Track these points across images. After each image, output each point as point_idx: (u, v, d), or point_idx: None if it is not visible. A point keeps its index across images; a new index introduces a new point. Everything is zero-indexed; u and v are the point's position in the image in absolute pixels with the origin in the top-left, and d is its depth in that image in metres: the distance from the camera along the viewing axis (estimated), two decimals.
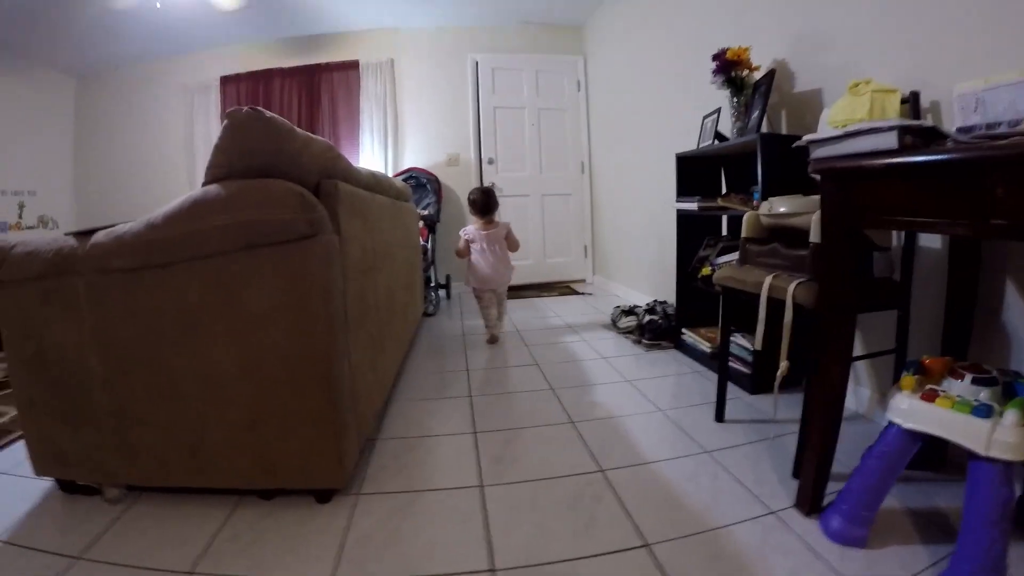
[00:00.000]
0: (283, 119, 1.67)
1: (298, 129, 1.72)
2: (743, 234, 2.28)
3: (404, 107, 6.36)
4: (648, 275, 4.89)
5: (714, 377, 2.82)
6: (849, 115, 2.11)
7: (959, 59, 1.96)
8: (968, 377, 1.40)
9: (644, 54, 4.90)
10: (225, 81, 6.28)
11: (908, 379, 1.50)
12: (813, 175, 1.64)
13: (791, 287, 1.83)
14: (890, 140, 1.37)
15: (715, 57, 2.94)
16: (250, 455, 1.68)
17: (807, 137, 1.73)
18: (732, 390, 2.58)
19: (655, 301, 4.00)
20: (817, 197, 1.98)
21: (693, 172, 3.42)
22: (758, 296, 2.02)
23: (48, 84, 6.18)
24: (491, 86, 6.34)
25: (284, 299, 1.58)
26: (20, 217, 5.84)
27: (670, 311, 3.77)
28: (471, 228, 3.92)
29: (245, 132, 1.60)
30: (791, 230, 2.07)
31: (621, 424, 2.34)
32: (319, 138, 1.84)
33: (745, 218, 2.29)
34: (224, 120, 1.62)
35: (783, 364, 1.89)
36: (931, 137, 1.40)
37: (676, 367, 3.16)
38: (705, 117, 3.38)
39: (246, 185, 1.59)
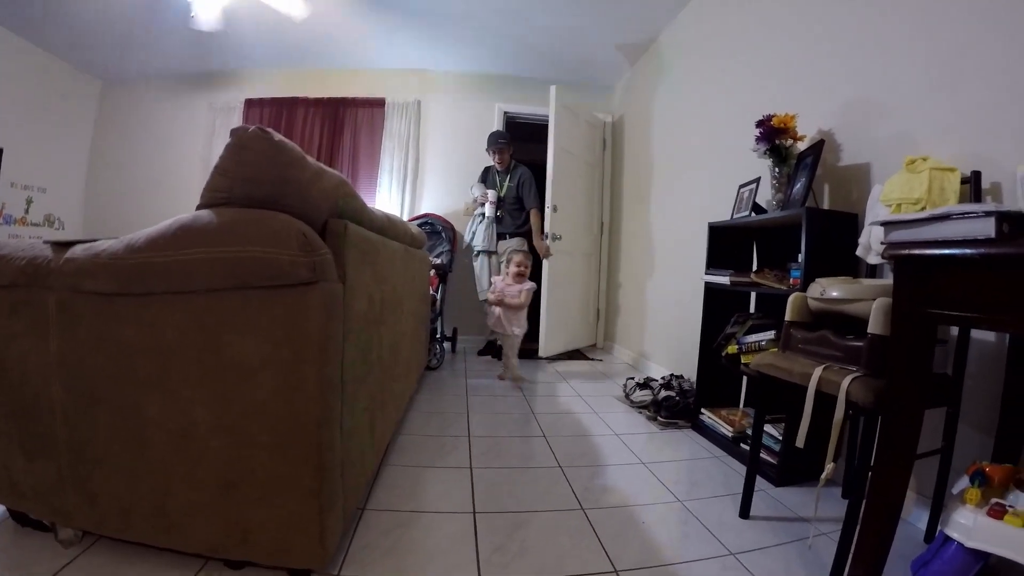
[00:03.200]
0: (294, 144, 1.49)
1: (310, 158, 1.54)
2: (787, 317, 2.08)
3: (426, 150, 6.29)
4: (665, 346, 4.68)
5: (735, 464, 2.67)
6: (905, 194, 1.99)
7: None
8: None
9: (676, 118, 4.81)
10: (250, 104, 6.25)
11: (973, 492, 1.37)
12: (886, 259, 1.47)
13: (845, 382, 1.63)
14: (985, 227, 1.18)
15: (759, 123, 2.79)
16: (221, 519, 1.46)
17: (884, 217, 1.55)
18: (756, 481, 2.36)
19: (671, 375, 3.79)
20: (874, 283, 1.85)
21: (724, 243, 3.26)
22: (799, 386, 1.83)
23: (73, 83, 6.16)
24: (563, 125, 5.51)
25: (274, 352, 1.38)
26: (27, 212, 5.76)
27: (687, 387, 3.58)
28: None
29: (250, 154, 1.42)
30: (843, 317, 1.88)
31: (637, 515, 2.10)
32: (332, 170, 1.65)
33: (790, 300, 2.09)
34: (229, 138, 1.45)
35: (829, 466, 1.68)
36: None
37: (693, 450, 2.92)
38: (742, 186, 3.22)
39: (242, 215, 1.40)
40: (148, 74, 6.31)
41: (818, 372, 1.75)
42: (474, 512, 2.06)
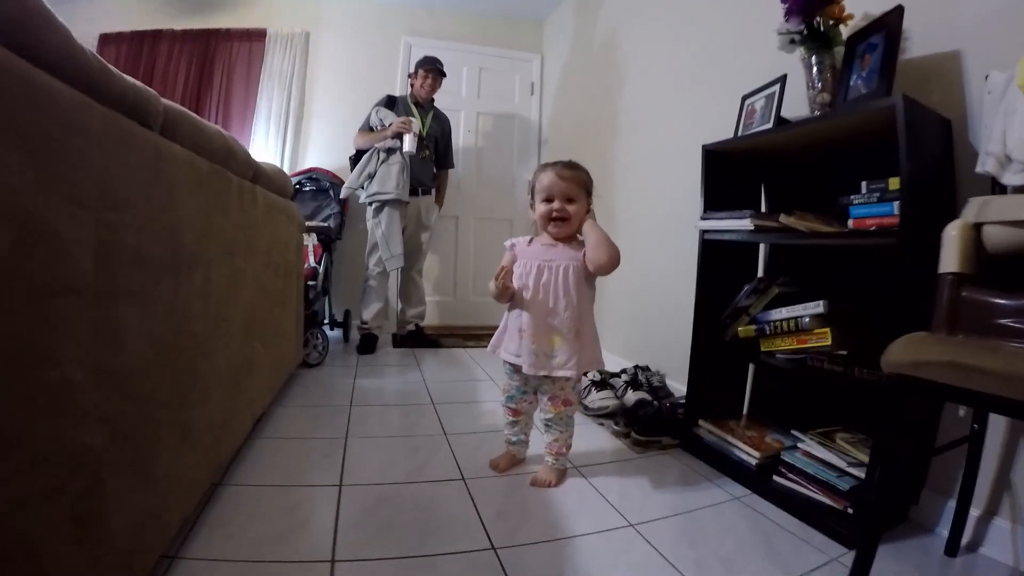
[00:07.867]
0: None
1: None
2: (951, 267, 1.08)
3: (314, 92, 5.14)
4: (619, 330, 3.64)
5: (768, 509, 1.74)
6: None
7: None
8: None
9: (623, 54, 3.88)
10: (105, 40, 5.05)
11: None
12: None
13: None
14: None
15: None
16: None
17: None
18: (803, 532, 1.57)
19: (635, 367, 2.81)
20: None
21: (723, 178, 2.26)
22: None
23: None
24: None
25: None
26: None
27: (657, 383, 2.66)
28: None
29: None
30: None
31: None
32: None
33: (952, 236, 1.12)
34: None
35: None
36: None
37: (700, 490, 1.90)
38: (747, 96, 2.22)
39: None
40: None
41: None
42: None
